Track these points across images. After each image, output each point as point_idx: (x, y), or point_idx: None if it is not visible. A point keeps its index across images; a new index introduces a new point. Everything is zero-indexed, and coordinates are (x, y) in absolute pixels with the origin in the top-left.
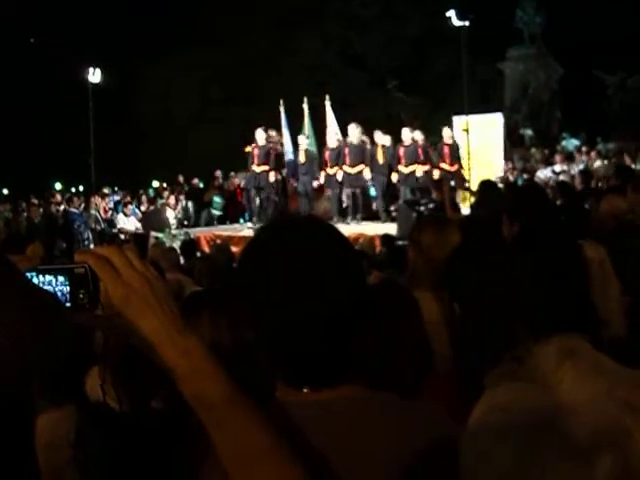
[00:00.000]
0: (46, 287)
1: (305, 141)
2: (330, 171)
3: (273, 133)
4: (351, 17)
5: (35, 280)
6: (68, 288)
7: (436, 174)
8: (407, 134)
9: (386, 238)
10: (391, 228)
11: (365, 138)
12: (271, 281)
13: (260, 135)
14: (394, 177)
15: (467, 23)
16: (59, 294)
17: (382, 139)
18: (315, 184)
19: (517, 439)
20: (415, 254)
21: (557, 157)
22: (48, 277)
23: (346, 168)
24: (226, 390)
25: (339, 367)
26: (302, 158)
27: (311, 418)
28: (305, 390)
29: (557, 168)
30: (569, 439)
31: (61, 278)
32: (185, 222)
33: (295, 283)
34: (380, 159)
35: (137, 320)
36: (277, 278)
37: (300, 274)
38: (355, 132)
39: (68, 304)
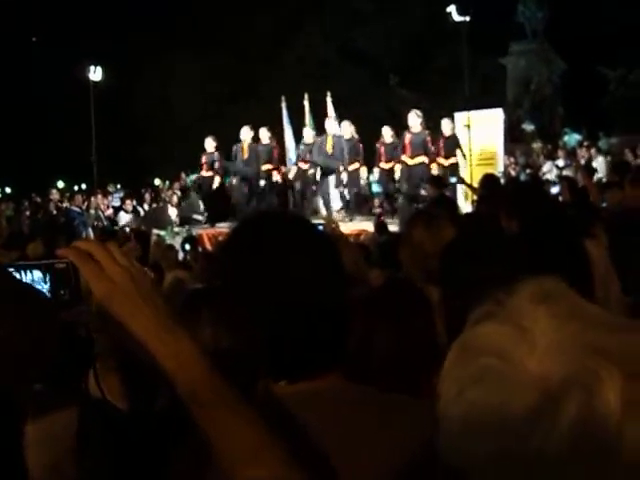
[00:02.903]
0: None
1: (311, 133)
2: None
3: (268, 133)
4: (350, 12)
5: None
6: (48, 284)
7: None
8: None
9: (380, 226)
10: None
11: (356, 135)
12: (248, 274)
13: (263, 134)
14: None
15: (467, 18)
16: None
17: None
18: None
19: (490, 382)
20: (406, 249)
21: (560, 152)
22: (28, 273)
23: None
24: (217, 389)
25: (318, 359)
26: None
27: (291, 409)
28: (282, 383)
29: (560, 163)
30: (541, 382)
31: (41, 274)
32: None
33: (271, 275)
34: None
35: (122, 317)
36: (254, 270)
37: (276, 266)
38: (348, 129)
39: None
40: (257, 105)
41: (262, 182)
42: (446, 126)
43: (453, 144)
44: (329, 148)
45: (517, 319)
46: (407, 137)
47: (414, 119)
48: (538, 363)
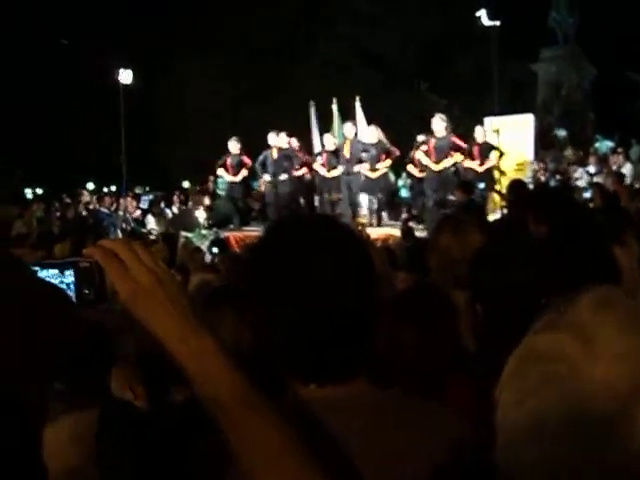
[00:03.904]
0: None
1: (332, 140)
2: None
3: (287, 138)
4: (374, 15)
5: (40, 274)
6: (73, 281)
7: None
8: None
9: (407, 232)
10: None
11: (384, 139)
12: (282, 274)
13: (283, 139)
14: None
15: (498, 23)
16: (64, 288)
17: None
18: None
19: (555, 391)
20: (433, 255)
21: (591, 158)
22: (52, 271)
23: (367, 172)
24: (241, 391)
25: (343, 361)
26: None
27: (318, 414)
28: (312, 386)
29: (591, 169)
30: (609, 390)
31: (58, 271)
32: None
33: (292, 277)
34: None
35: (146, 318)
36: (288, 271)
37: (297, 267)
38: (375, 133)
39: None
40: (276, 109)
41: (289, 186)
42: (479, 133)
43: (487, 149)
44: (346, 153)
45: (578, 328)
46: (432, 142)
47: (438, 124)
48: (604, 371)
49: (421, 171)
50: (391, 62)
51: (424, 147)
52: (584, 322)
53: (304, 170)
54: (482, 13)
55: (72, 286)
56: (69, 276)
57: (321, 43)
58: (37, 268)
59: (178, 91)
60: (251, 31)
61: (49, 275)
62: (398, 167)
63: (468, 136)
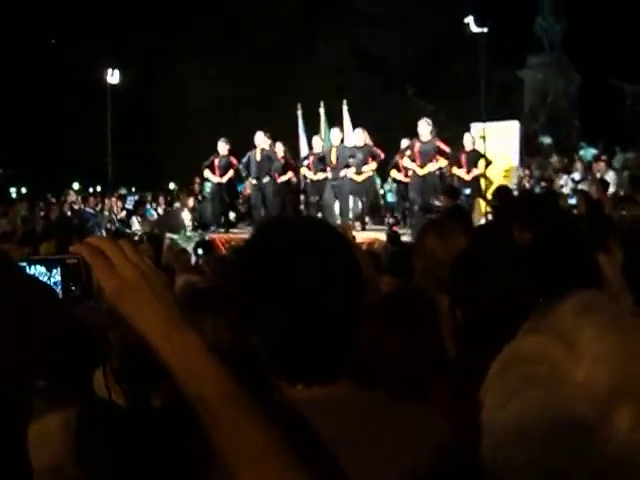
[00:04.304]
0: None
1: (320, 143)
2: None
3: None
4: (366, 20)
5: (27, 271)
6: (54, 279)
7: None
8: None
9: (392, 237)
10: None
11: (370, 142)
12: (269, 276)
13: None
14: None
15: (485, 30)
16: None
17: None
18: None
19: (537, 394)
20: (419, 258)
21: (577, 165)
22: (40, 268)
23: (353, 176)
24: (226, 389)
25: (333, 365)
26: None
27: (305, 414)
28: (299, 387)
29: (577, 176)
30: (590, 392)
31: (45, 269)
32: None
33: (291, 279)
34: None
35: (131, 313)
36: (274, 274)
37: (283, 270)
38: (361, 136)
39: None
40: (277, 109)
41: (273, 188)
42: (467, 140)
43: (475, 157)
44: (333, 159)
45: (561, 331)
46: (417, 146)
47: (424, 127)
48: (585, 373)
49: (406, 175)
50: (391, 64)
51: (408, 152)
52: (567, 325)
53: (290, 174)
54: (470, 20)
55: (59, 283)
56: (56, 275)
57: (321, 43)
58: (24, 264)
59: (178, 91)
60: (251, 31)
61: (37, 272)
62: (384, 171)
63: (453, 141)
